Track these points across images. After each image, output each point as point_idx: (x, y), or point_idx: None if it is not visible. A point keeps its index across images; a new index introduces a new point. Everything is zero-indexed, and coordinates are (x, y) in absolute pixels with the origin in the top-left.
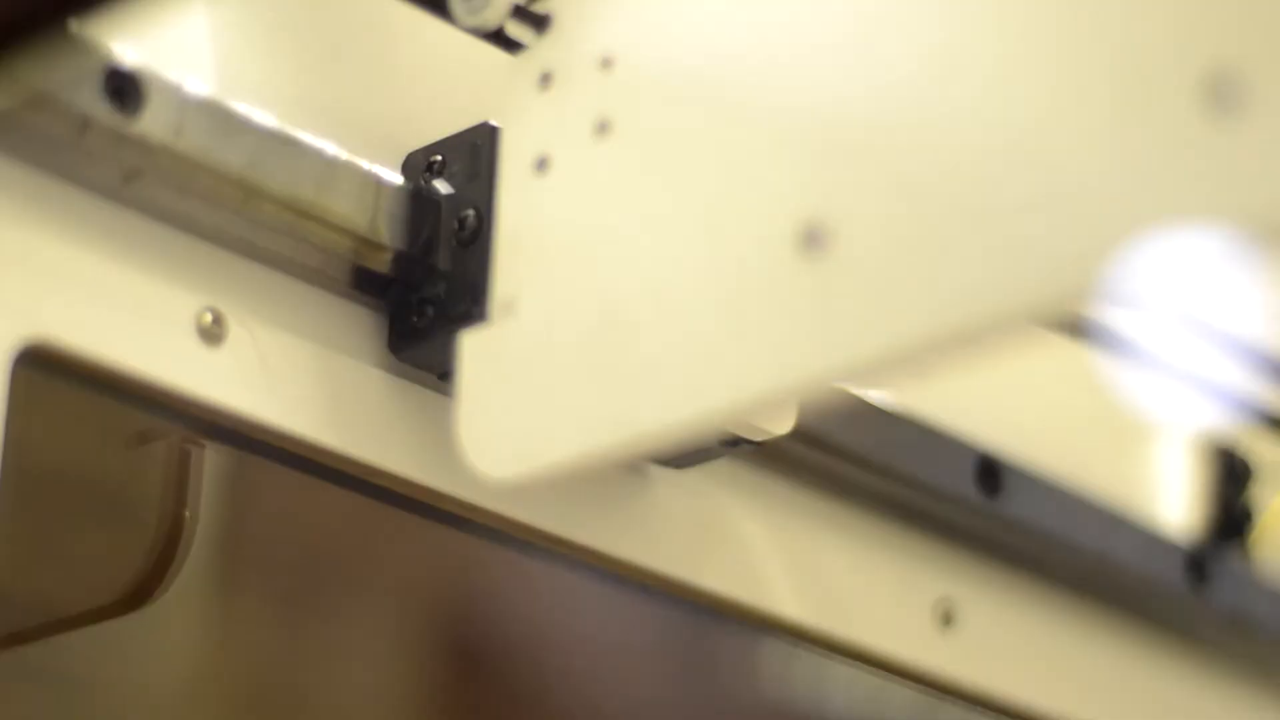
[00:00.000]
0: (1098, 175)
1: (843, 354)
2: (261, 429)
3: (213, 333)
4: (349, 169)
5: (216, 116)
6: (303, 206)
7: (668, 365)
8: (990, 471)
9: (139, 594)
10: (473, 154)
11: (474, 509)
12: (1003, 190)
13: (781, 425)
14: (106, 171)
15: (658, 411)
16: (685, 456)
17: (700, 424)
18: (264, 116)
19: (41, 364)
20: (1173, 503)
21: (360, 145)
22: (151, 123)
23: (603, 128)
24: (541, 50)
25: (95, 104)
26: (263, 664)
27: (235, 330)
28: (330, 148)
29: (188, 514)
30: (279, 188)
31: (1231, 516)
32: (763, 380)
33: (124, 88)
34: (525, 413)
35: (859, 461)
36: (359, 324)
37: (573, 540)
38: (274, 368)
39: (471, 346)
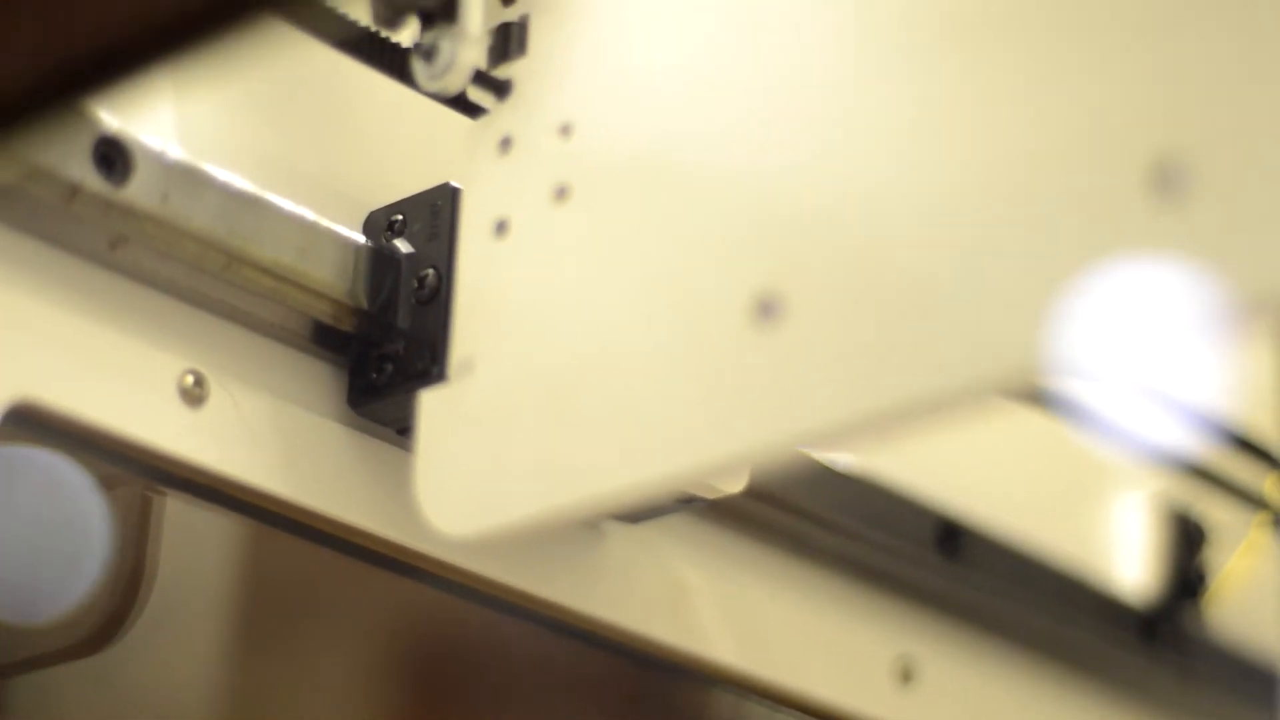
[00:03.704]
0: (1047, 255)
1: (796, 422)
2: (224, 480)
3: (194, 394)
4: (327, 234)
5: (200, 183)
6: (282, 271)
7: (623, 428)
8: (950, 534)
9: (101, 636)
10: (433, 214)
11: (429, 561)
12: (950, 267)
13: (733, 484)
14: (94, 237)
15: (613, 473)
16: (639, 512)
17: (654, 486)
18: (245, 182)
19: (27, 423)
20: (1128, 565)
21: (322, 204)
22: (138, 190)
23: (561, 193)
24: (502, 115)
25: (84, 171)
26: (219, 710)
27: (215, 391)
28: (309, 214)
29: (148, 560)
30: (259, 252)
31: (1186, 579)
32: (716, 446)
33: (112, 156)
34: (483, 471)
35: (823, 522)
36: (320, 379)
37: (528, 592)
38: (241, 423)
39: (430, 405)
